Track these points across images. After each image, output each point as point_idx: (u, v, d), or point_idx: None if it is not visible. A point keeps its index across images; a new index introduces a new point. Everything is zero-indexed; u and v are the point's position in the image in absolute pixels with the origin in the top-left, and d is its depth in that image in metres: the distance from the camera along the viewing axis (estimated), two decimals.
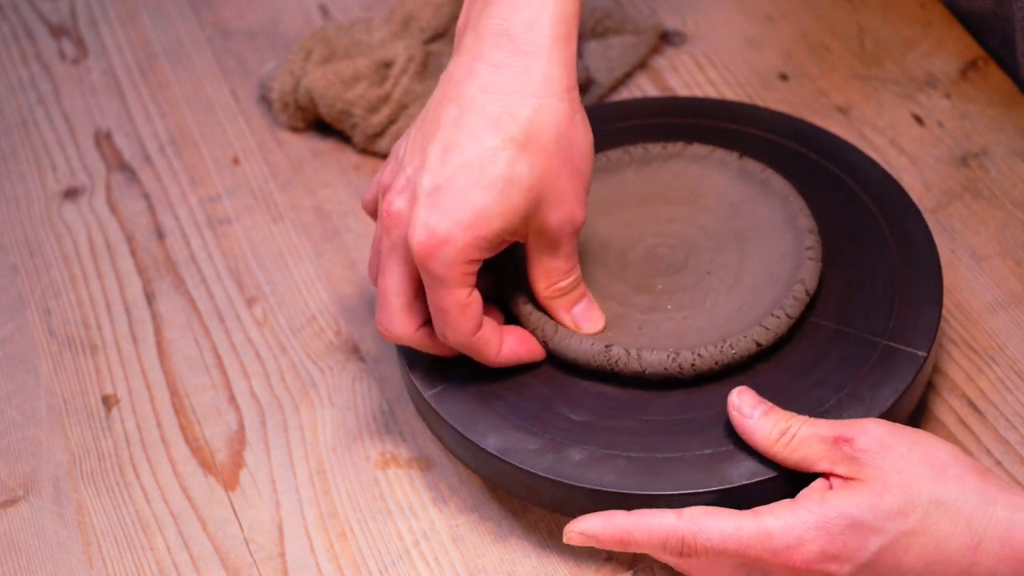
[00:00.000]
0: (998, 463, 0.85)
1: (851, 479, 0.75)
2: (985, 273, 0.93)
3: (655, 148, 0.93)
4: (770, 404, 0.79)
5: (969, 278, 0.93)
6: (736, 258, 0.88)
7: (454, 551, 0.84)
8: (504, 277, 0.87)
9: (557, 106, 0.79)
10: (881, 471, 0.74)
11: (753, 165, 0.91)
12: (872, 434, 0.76)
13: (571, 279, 0.84)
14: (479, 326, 0.81)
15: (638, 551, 0.78)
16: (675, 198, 0.92)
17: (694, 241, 0.90)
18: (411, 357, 0.86)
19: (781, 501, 0.76)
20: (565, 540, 0.79)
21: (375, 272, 0.85)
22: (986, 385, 0.88)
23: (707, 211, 0.91)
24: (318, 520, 0.86)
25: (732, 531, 0.75)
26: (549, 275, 0.83)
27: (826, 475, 0.77)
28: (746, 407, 0.79)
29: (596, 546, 0.78)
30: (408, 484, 0.87)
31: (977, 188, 0.98)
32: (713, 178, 0.92)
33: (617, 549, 0.78)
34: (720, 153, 0.92)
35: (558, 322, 0.85)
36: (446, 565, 0.84)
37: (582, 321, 0.85)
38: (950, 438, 0.86)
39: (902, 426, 0.77)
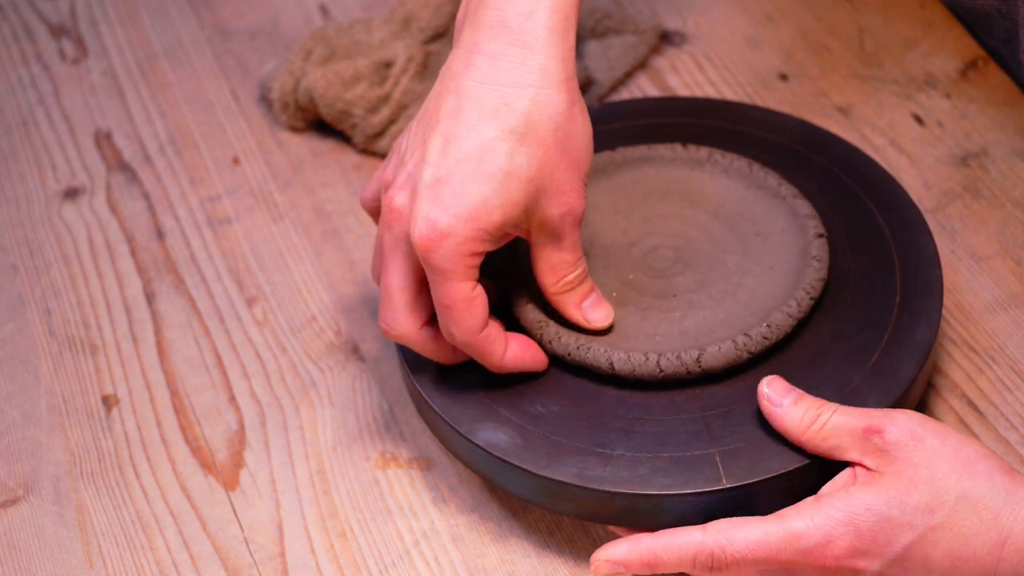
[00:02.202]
0: None
1: (878, 472, 0.75)
2: (985, 273, 0.93)
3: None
4: (800, 391, 0.79)
5: (969, 278, 0.93)
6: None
7: (454, 551, 0.85)
8: (507, 284, 0.87)
9: (555, 96, 0.79)
10: (910, 465, 0.74)
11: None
12: (903, 426, 0.75)
13: (578, 272, 0.83)
14: (485, 323, 0.80)
15: (667, 571, 0.77)
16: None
17: (696, 245, 0.90)
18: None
19: (804, 500, 0.76)
20: (592, 568, 0.78)
21: (378, 270, 0.85)
22: (986, 385, 0.88)
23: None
24: (318, 520, 0.86)
25: (760, 538, 0.75)
26: (556, 269, 0.83)
27: (853, 464, 0.77)
28: (776, 395, 0.79)
29: (624, 571, 0.78)
30: (408, 484, 0.88)
31: (977, 188, 0.98)
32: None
33: (646, 572, 0.77)
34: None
35: (568, 318, 0.84)
36: (446, 565, 0.84)
37: (592, 315, 0.84)
38: None
39: (932, 419, 0.77)
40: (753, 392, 0.81)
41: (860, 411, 0.77)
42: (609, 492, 0.79)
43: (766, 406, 0.79)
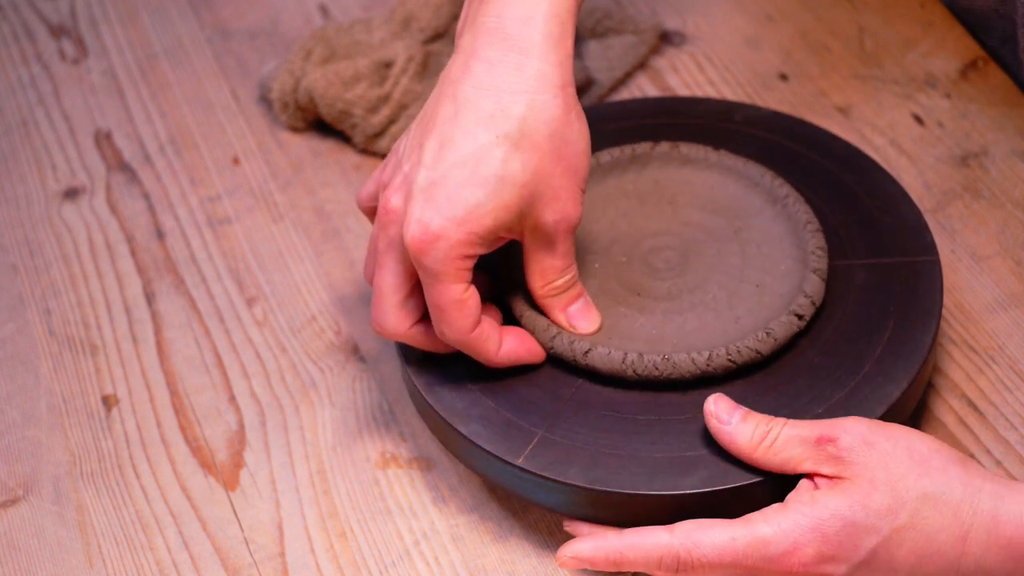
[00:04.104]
0: (998, 463, 0.85)
1: (837, 478, 0.75)
2: (985, 273, 0.93)
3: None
4: (747, 409, 0.79)
5: (969, 278, 0.93)
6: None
7: (454, 551, 0.85)
8: (502, 278, 0.87)
9: (551, 102, 0.79)
10: (867, 468, 0.75)
11: (684, 148, 0.91)
12: (854, 432, 0.76)
13: (567, 278, 0.84)
14: (477, 323, 0.81)
15: (632, 570, 0.78)
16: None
17: (694, 245, 0.89)
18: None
19: (771, 506, 0.76)
20: (557, 564, 0.79)
21: (371, 270, 0.85)
22: (986, 385, 0.88)
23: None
24: (318, 520, 0.86)
25: (727, 542, 0.75)
26: (545, 273, 0.83)
27: (810, 476, 0.77)
28: (723, 414, 0.79)
29: (590, 568, 0.78)
30: (408, 484, 0.88)
31: (977, 188, 0.98)
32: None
33: (611, 570, 0.78)
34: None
35: (553, 321, 0.85)
36: (446, 565, 0.84)
37: (577, 321, 0.85)
38: (950, 438, 0.86)
39: (881, 422, 0.77)
40: (621, 406, 0.82)
41: (810, 423, 0.77)
42: (435, 412, 0.83)
43: (714, 424, 0.79)
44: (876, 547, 0.74)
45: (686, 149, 0.93)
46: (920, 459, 0.75)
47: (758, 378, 0.83)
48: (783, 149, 0.94)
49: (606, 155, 0.93)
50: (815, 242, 0.86)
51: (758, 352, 0.82)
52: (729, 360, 0.82)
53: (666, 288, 0.87)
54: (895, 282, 0.86)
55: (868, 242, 0.88)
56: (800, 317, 0.83)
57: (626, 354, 0.82)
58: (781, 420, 0.78)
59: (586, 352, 0.83)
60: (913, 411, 0.84)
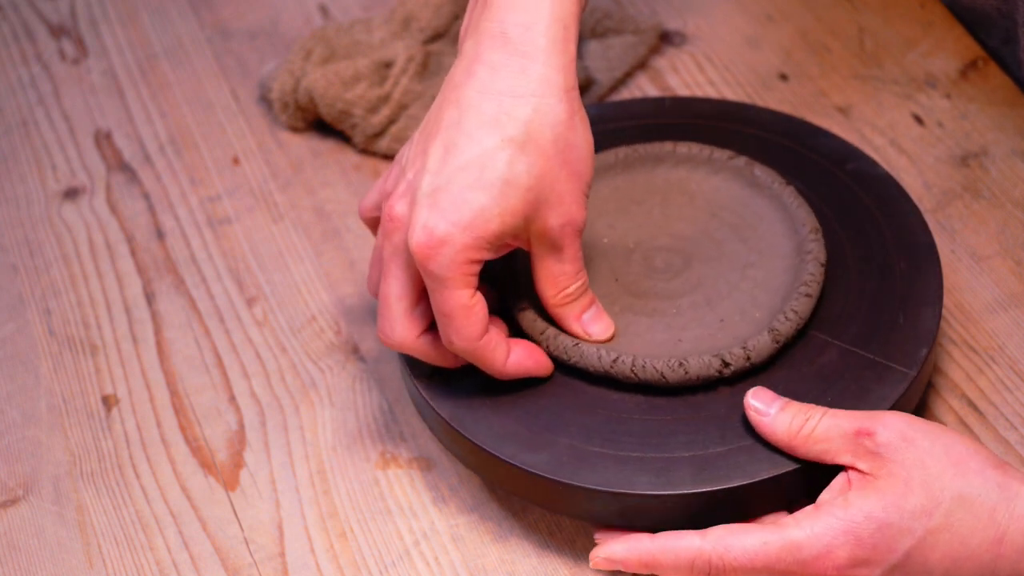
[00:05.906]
0: None
1: (871, 476, 0.75)
2: (985, 273, 0.93)
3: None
4: (786, 399, 0.79)
5: (969, 278, 0.93)
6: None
7: (454, 551, 0.85)
8: (508, 292, 0.87)
9: (556, 106, 0.79)
10: (903, 467, 0.74)
11: (759, 170, 0.91)
12: (893, 427, 0.75)
13: (578, 284, 0.83)
14: (484, 330, 0.80)
15: (663, 573, 0.78)
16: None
17: (702, 260, 0.89)
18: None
19: (803, 509, 0.76)
20: (592, 566, 0.79)
21: (375, 281, 0.85)
22: (986, 385, 0.88)
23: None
24: (318, 520, 0.86)
25: (759, 547, 0.75)
26: (556, 281, 0.83)
27: (845, 468, 0.77)
28: (763, 405, 0.79)
29: (622, 569, 0.78)
30: (408, 484, 0.88)
31: (977, 188, 0.98)
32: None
33: (643, 572, 0.78)
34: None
35: (568, 331, 0.84)
36: (446, 565, 0.84)
37: (591, 327, 0.84)
38: None
39: (921, 419, 0.77)
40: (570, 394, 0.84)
41: (849, 413, 0.77)
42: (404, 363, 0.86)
43: (753, 416, 0.79)
44: (910, 549, 0.73)
45: (759, 171, 0.91)
46: (957, 459, 0.74)
47: (660, 401, 0.82)
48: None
49: (696, 148, 0.93)
50: (793, 304, 0.84)
51: (663, 376, 0.82)
52: (632, 372, 0.82)
53: (644, 287, 0.87)
54: (857, 378, 0.83)
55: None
56: (726, 364, 0.82)
57: (546, 328, 0.84)
58: (821, 409, 0.78)
59: (520, 310, 0.85)
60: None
